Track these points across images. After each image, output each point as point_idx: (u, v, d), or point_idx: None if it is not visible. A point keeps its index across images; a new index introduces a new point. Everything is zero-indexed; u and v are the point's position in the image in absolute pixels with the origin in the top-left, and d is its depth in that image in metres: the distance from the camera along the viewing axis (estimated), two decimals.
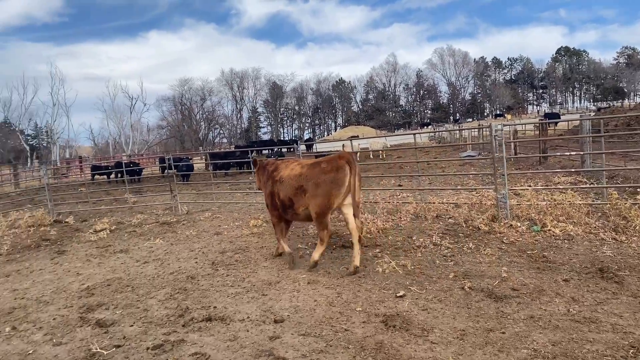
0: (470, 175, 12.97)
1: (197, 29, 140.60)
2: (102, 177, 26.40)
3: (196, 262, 6.31)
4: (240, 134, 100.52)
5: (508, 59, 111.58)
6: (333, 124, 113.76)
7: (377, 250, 6.10)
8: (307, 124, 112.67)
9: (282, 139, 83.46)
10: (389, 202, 8.72)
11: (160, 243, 7.94)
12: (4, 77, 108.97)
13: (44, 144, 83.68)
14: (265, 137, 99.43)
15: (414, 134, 12.87)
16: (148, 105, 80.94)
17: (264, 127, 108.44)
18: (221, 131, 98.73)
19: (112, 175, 25.64)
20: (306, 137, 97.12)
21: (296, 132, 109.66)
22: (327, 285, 4.86)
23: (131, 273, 6.06)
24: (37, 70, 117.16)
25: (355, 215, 5.34)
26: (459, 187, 11.07)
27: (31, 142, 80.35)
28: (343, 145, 31.84)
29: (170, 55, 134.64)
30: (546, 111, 77.66)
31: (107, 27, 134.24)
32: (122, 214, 12.27)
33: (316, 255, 5.45)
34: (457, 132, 32.54)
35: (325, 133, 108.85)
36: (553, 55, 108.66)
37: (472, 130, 27.07)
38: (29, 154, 70.38)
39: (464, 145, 23.72)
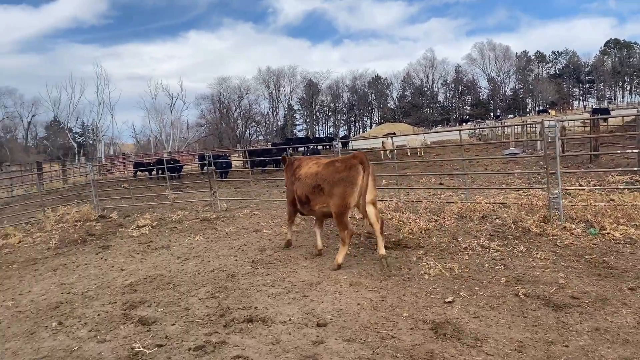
0: (516, 174, 12.43)
1: (235, 28, 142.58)
2: (143, 173, 27.20)
3: (236, 259, 6.27)
4: (276, 132, 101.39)
5: (552, 52, 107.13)
6: (368, 121, 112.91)
7: (421, 251, 5.86)
8: (343, 121, 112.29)
9: (317, 136, 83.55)
10: (432, 202, 8.40)
11: (200, 240, 7.98)
12: (53, 78, 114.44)
13: (90, 142, 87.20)
14: (301, 135, 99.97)
15: (454, 131, 12.45)
16: (187, 104, 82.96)
17: (299, 125, 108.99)
18: (258, 129, 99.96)
19: (154, 172, 26.34)
20: (341, 134, 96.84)
21: (331, 129, 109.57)
22: (370, 288, 4.68)
23: (172, 270, 6.08)
24: (83, 71, 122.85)
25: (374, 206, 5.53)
26: (504, 186, 10.60)
27: (78, 140, 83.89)
28: (382, 142, 31.47)
29: (208, 54, 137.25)
30: (594, 106, 74.04)
31: (149, 28, 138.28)
32: (164, 210, 12.50)
33: (339, 257, 5.49)
34: (499, 129, 31.40)
35: (361, 130, 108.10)
36: (601, 47, 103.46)
37: (515, 127, 26.01)
38: (76, 151, 73.58)
39: (507, 142, 22.82)
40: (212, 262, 6.26)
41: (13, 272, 7.14)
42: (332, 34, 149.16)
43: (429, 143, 28.87)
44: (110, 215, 12.03)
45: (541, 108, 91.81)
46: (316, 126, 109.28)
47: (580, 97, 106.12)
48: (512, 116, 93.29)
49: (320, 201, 5.68)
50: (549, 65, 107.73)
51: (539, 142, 19.59)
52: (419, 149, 28.15)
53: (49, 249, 8.81)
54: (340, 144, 11.96)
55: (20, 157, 62.53)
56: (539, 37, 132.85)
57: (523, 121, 24.11)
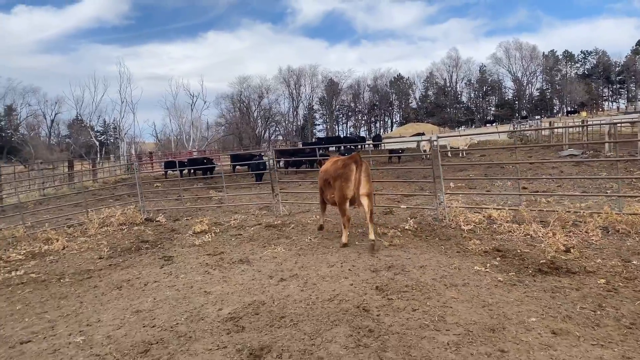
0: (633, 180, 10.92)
1: (253, 29, 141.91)
2: (174, 172, 26.23)
3: (352, 284, 4.98)
4: (296, 132, 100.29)
5: (581, 52, 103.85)
6: (389, 121, 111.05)
7: (601, 280, 4.49)
8: (363, 122, 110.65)
9: (345, 135, 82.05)
10: (569, 211, 6.96)
11: (282, 252, 6.74)
12: (75, 78, 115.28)
13: (111, 140, 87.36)
14: (321, 135, 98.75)
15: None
16: (208, 103, 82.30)
17: (319, 125, 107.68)
18: (277, 128, 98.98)
19: (185, 171, 25.34)
20: (362, 134, 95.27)
21: (351, 129, 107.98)
22: (586, 337, 3.35)
23: (273, 296, 4.83)
24: (105, 70, 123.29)
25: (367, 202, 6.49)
26: (608, 192, 9.15)
27: (100, 138, 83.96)
28: (418, 143, 30.01)
29: (227, 54, 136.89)
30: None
31: (169, 29, 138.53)
32: (215, 213, 11.34)
33: (343, 238, 6.76)
34: (547, 130, 29.61)
35: (381, 130, 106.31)
36: (633, 47, 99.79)
37: (568, 128, 24.31)
38: (98, 149, 73.51)
39: (560, 144, 21.21)
40: (321, 286, 4.99)
41: (67, 290, 5.99)
42: (350, 34, 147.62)
43: (476, 142, 27.37)
44: (158, 219, 10.91)
45: (570, 109, 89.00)
46: (336, 126, 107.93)
47: (610, 98, 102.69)
48: (538, 117, 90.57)
49: (330, 192, 6.87)
50: (578, 65, 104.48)
51: (607, 144, 17.98)
52: (461, 150, 26.58)
53: (100, 258, 7.68)
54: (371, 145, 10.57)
55: (44, 155, 62.54)
56: (561, 37, 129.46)
57: (583, 121, 22.40)
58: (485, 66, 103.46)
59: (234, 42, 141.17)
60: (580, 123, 24.04)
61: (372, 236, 6.32)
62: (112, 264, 7.28)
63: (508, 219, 7.15)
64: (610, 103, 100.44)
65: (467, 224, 7.18)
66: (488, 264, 5.24)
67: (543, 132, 30.32)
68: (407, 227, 7.59)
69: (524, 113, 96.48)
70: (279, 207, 10.16)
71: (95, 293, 5.71)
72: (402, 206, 9.15)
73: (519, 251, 5.68)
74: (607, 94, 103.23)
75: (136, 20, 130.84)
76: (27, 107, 78.54)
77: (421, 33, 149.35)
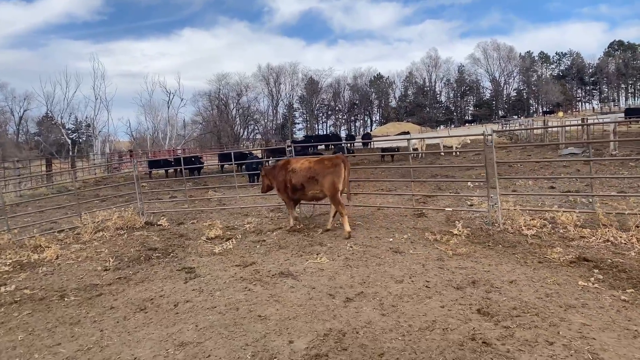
0: None
1: (230, 27, 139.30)
2: (156, 172, 24.87)
3: (442, 305, 4.12)
4: (275, 130, 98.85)
5: (556, 53, 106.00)
6: (369, 121, 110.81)
7: None
8: (343, 120, 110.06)
9: (318, 134, 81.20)
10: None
11: (327, 263, 5.84)
12: (45, 74, 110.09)
13: (84, 138, 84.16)
14: (300, 134, 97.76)
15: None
16: (185, 101, 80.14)
17: (299, 124, 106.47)
18: (256, 127, 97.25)
19: (170, 171, 24.02)
20: (342, 133, 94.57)
21: (331, 128, 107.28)
22: None
23: (350, 322, 3.93)
24: (76, 67, 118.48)
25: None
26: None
27: (72, 136, 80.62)
28: (408, 140, 29.41)
29: (203, 52, 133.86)
30: (630, 106, 72.64)
31: (143, 25, 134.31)
32: (222, 216, 10.32)
33: (346, 226, 7.34)
34: (543, 128, 29.50)
35: (361, 130, 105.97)
36: (606, 49, 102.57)
37: (566, 127, 24.16)
38: (70, 147, 70.48)
39: (559, 143, 20.95)
40: (404, 309, 4.12)
41: (77, 312, 4.95)
42: (327, 33, 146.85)
43: (468, 142, 27.00)
44: (159, 222, 9.82)
45: (546, 109, 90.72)
46: (316, 125, 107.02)
47: (583, 99, 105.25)
48: (516, 117, 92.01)
49: (313, 188, 7.77)
50: (553, 66, 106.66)
51: (612, 142, 17.70)
52: (455, 149, 26.16)
53: (105, 269, 6.62)
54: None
55: (12, 153, 59.43)
56: (532, 40, 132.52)
57: (584, 119, 22.18)
58: (463, 66, 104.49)
59: (210, 40, 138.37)
60: (580, 122, 23.89)
61: (329, 226, 7.98)
62: (121, 276, 6.24)
63: (577, 222, 6.43)
64: (583, 104, 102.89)
65: (529, 229, 6.44)
66: (591, 278, 4.48)
67: (535, 132, 30.23)
68: (456, 232, 6.81)
69: (501, 113, 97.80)
70: (300, 209, 9.22)
71: (114, 317, 4.70)
72: (447, 208, 8.36)
73: (610, 261, 4.96)
74: (580, 94, 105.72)
75: (109, 16, 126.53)
76: None
77: (397, 34, 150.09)
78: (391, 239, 6.80)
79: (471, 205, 9.17)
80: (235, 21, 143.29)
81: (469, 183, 12.16)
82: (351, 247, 6.54)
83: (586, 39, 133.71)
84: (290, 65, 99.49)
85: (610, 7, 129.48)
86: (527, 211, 7.22)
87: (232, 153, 15.91)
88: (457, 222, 7.26)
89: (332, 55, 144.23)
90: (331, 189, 7.49)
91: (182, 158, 21.35)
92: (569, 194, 9.36)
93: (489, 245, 6.05)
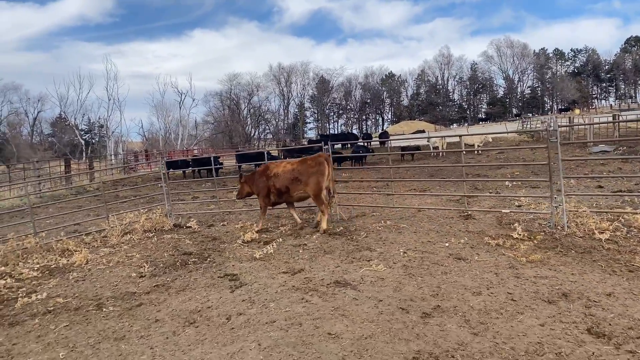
0: None
1: (240, 27, 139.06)
2: (175, 172, 24.54)
3: (541, 323, 3.61)
4: (287, 130, 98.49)
5: (571, 50, 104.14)
6: (380, 119, 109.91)
7: None
8: (355, 119, 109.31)
9: (333, 133, 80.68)
10: None
11: (385, 270, 5.35)
12: (58, 76, 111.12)
13: (96, 139, 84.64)
14: (312, 133, 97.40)
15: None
16: (197, 101, 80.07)
17: (310, 123, 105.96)
18: (267, 127, 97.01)
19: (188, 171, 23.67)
20: (354, 132, 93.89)
21: (342, 127, 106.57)
22: None
23: (439, 342, 3.44)
24: (89, 68, 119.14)
25: (330, 193, 7.95)
26: None
27: (85, 137, 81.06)
28: (428, 138, 28.82)
29: (213, 53, 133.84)
30: None
31: (154, 27, 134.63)
32: (252, 218, 9.87)
33: (323, 224, 7.63)
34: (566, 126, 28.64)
35: (374, 128, 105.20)
36: (622, 45, 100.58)
37: (595, 124, 23.38)
38: (83, 147, 70.80)
39: (587, 141, 20.21)
40: (495, 327, 3.61)
41: (118, 324, 4.53)
42: (337, 33, 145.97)
43: (490, 140, 26.32)
44: (188, 225, 9.41)
45: (561, 107, 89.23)
46: (327, 124, 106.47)
47: (599, 96, 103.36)
48: (530, 115, 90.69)
49: (298, 189, 7.87)
50: (568, 63, 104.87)
51: None
52: (477, 147, 25.46)
53: (141, 276, 6.20)
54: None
55: (27, 154, 59.78)
56: (543, 37, 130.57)
57: (616, 116, 21.43)
58: (476, 64, 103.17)
59: (220, 41, 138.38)
60: (612, 119, 23.12)
61: (324, 225, 7.79)
62: (158, 284, 5.83)
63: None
64: (599, 101, 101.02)
65: (601, 232, 5.89)
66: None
67: (561, 129, 29.37)
68: (516, 236, 6.29)
69: (515, 111, 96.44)
70: (336, 210, 8.74)
71: (162, 331, 4.27)
72: (503, 210, 7.82)
73: None
74: (596, 92, 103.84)
75: (121, 18, 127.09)
76: (8, 104, 75.19)
77: (407, 32, 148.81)
78: (447, 244, 6.30)
79: (519, 206, 8.62)
80: (245, 21, 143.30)
81: (507, 182, 11.61)
82: (404, 252, 6.06)
83: (599, 36, 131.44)
84: (301, 65, 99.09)
85: (624, 2, 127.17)
86: (596, 213, 6.66)
87: (266, 153, 15.46)
88: (514, 224, 6.73)
89: (341, 54, 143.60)
90: (315, 189, 7.68)
91: (202, 158, 20.97)
92: (623, 194, 8.78)
93: (560, 251, 5.51)
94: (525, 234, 6.31)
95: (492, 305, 4.02)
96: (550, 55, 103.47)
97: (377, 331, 3.72)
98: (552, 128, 6.34)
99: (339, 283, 5.04)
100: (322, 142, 9.28)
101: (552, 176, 6.39)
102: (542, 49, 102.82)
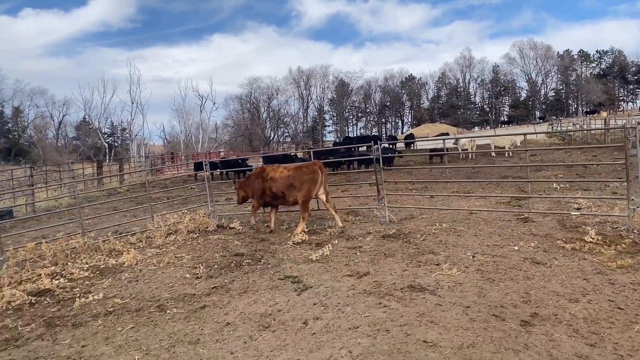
0: None
1: (258, 32, 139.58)
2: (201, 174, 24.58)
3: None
4: (305, 133, 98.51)
5: (597, 51, 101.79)
6: (400, 122, 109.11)
7: None
8: (374, 122, 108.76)
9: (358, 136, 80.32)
10: None
11: (460, 275, 5.07)
12: (82, 81, 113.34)
13: (119, 142, 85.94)
14: (331, 136, 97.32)
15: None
16: (217, 105, 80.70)
17: (329, 126, 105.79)
18: (286, 130, 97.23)
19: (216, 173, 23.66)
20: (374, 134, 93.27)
21: (361, 130, 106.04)
22: None
23: (552, 353, 3.15)
24: (111, 73, 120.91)
25: (327, 200, 8.32)
26: None
27: (108, 140, 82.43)
28: (456, 140, 28.28)
29: (232, 57, 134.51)
30: None
31: (174, 32, 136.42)
32: (292, 219, 9.66)
33: (298, 229, 7.85)
34: (600, 129, 27.94)
35: (393, 131, 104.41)
36: None
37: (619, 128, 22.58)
38: (107, 150, 71.95)
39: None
40: (610, 337, 3.31)
41: (187, 327, 4.35)
42: (355, 36, 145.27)
43: (518, 144, 25.72)
44: (232, 226, 9.26)
45: (587, 109, 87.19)
46: (346, 127, 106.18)
47: (626, 99, 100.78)
48: (554, 118, 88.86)
49: (293, 195, 8.11)
50: (594, 65, 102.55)
51: None
52: (508, 150, 24.88)
53: (197, 277, 6.03)
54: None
55: (53, 157, 60.96)
56: (565, 39, 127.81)
57: None
58: (498, 66, 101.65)
59: (239, 45, 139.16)
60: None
61: (340, 223, 8.21)
62: (216, 285, 5.65)
63: None
64: (626, 103, 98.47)
65: None
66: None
67: (592, 132, 28.60)
68: (589, 240, 5.93)
69: (538, 114, 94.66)
70: (384, 212, 8.47)
71: (237, 335, 4.07)
72: (572, 213, 7.45)
73: None
74: (622, 94, 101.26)
75: (142, 23, 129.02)
76: (34, 108, 77.04)
77: (425, 35, 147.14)
78: (516, 247, 5.98)
79: (578, 208, 8.23)
80: (263, 26, 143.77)
81: (554, 184, 11.17)
82: (473, 256, 5.76)
83: (624, 37, 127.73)
84: (321, 68, 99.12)
85: None
86: None
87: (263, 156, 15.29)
88: (583, 227, 6.38)
89: (359, 57, 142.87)
90: (306, 195, 7.99)
91: (230, 160, 20.91)
92: None
93: None
94: (599, 238, 5.95)
95: (597, 314, 3.71)
96: (575, 56, 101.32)
97: (478, 340, 3.45)
98: (630, 125, 5.96)
99: (413, 288, 4.78)
100: (372, 142, 9.00)
101: (630, 178, 6.02)
102: (566, 50, 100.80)
